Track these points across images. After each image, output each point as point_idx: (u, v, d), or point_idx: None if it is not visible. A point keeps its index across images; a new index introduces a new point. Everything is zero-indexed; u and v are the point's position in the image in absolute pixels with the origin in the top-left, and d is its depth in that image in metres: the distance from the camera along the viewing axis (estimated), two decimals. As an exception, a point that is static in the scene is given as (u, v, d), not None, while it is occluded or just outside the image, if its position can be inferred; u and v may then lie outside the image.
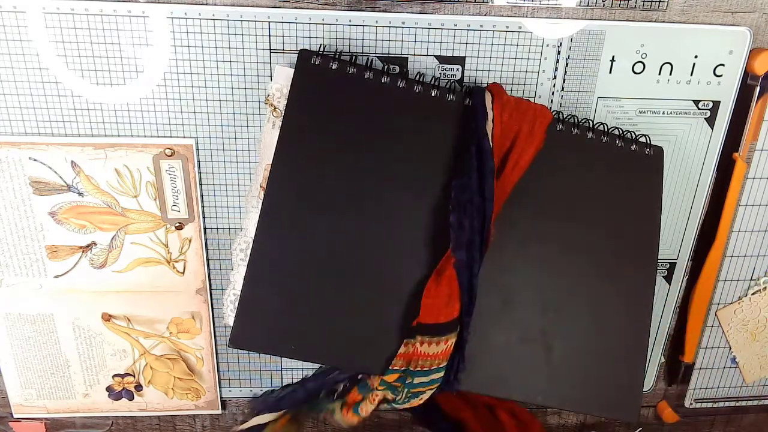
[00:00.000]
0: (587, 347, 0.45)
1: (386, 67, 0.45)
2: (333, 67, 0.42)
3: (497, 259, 0.43)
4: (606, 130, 0.46)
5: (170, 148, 0.47)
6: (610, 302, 0.45)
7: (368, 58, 0.45)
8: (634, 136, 0.47)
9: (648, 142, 0.48)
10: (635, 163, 0.47)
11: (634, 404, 0.46)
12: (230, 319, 0.45)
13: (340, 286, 0.41)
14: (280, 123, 0.42)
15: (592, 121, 0.47)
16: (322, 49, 0.43)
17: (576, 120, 0.46)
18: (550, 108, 0.49)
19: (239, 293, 0.42)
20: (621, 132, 0.47)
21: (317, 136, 0.42)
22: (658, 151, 0.48)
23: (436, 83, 0.44)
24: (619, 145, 0.46)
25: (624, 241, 0.46)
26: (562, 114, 0.46)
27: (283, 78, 0.43)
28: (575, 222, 0.45)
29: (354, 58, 0.45)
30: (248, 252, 0.44)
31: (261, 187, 0.45)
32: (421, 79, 0.43)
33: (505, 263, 0.44)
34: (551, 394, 0.44)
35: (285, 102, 0.42)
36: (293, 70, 0.43)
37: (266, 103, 0.44)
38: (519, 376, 0.43)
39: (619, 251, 0.46)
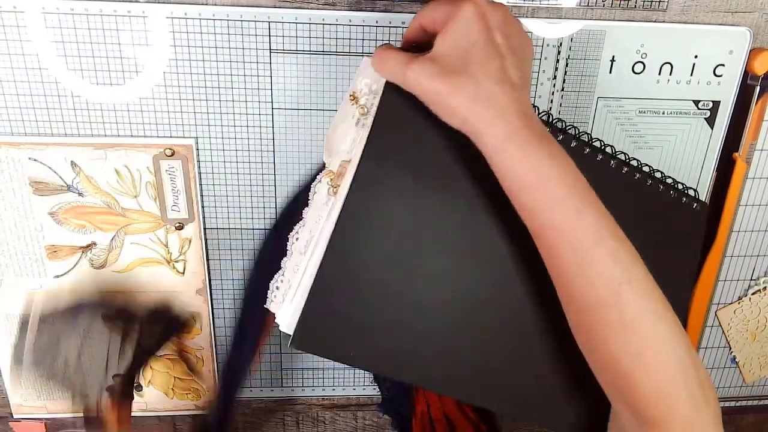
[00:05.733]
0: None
1: None
2: None
3: (519, 290, 0.42)
4: (662, 178, 0.46)
5: (170, 148, 0.47)
6: None
7: None
8: (684, 188, 0.47)
9: (696, 196, 0.47)
10: (680, 215, 0.47)
11: None
12: (272, 305, 0.43)
13: (410, 299, 0.40)
14: (366, 121, 0.40)
15: (652, 168, 0.46)
16: None
17: (639, 164, 0.46)
18: (550, 108, 0.49)
19: (287, 279, 0.41)
20: (674, 182, 0.47)
21: (408, 144, 0.40)
22: (704, 206, 0.48)
23: None
24: (673, 195, 0.46)
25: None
26: (628, 156, 0.45)
27: (371, 72, 0.40)
28: None
29: None
30: (304, 243, 0.42)
31: (329, 181, 0.42)
32: None
33: (530, 296, 0.42)
34: (568, 417, 0.44)
35: (373, 100, 0.40)
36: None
37: (351, 99, 0.42)
38: (542, 400, 0.43)
39: None
